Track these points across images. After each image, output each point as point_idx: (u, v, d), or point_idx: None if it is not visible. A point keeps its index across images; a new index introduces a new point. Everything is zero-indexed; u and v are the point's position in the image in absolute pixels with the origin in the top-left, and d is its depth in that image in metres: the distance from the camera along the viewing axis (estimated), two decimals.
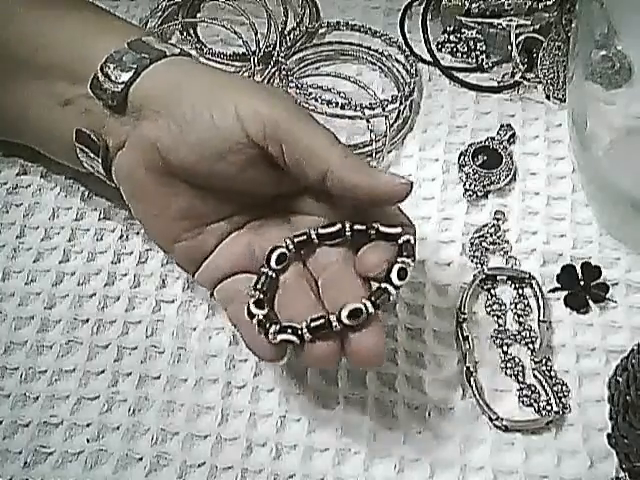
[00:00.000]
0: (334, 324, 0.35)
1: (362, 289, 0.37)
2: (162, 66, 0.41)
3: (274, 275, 0.38)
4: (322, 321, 0.35)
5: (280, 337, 0.36)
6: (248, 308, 0.37)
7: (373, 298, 0.35)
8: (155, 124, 0.39)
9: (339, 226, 0.38)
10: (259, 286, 0.38)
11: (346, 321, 0.35)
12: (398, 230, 0.38)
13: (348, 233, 0.38)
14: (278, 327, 0.36)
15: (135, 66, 0.41)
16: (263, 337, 0.36)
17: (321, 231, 0.39)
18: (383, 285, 0.36)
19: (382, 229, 0.38)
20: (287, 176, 0.39)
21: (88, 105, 0.42)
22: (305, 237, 0.39)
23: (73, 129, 0.42)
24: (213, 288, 0.40)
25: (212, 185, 0.39)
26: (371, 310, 0.35)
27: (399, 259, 0.37)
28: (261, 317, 0.36)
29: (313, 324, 0.35)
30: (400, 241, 0.37)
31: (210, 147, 0.38)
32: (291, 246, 0.39)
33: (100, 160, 0.42)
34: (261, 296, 0.37)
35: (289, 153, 0.37)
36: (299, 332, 0.35)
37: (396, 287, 0.36)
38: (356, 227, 0.38)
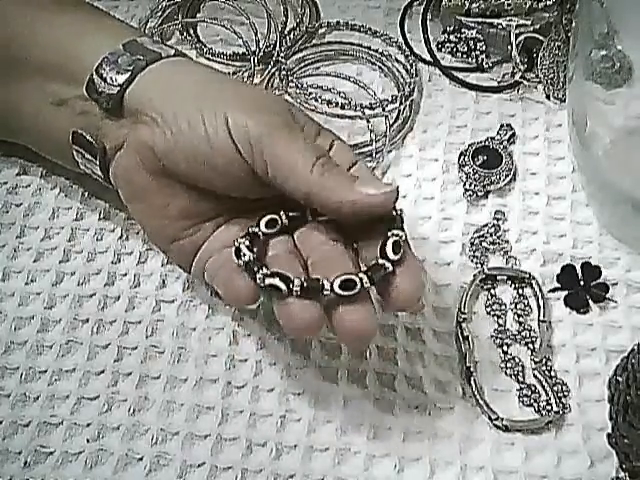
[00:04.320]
0: (326, 288, 0.35)
1: (353, 267, 0.37)
2: (157, 69, 0.41)
3: (262, 237, 0.38)
4: (315, 284, 0.35)
5: (268, 281, 0.35)
6: (237, 248, 0.37)
7: (370, 273, 0.35)
8: (151, 129, 0.39)
9: None
10: (248, 237, 0.37)
11: (338, 290, 0.35)
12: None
13: None
14: (268, 271, 0.35)
15: (131, 68, 0.40)
16: (240, 281, 0.36)
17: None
18: (380, 261, 0.36)
19: None
20: None
21: (84, 107, 0.41)
22: (299, 214, 0.39)
23: (68, 130, 0.42)
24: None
25: (208, 188, 0.39)
26: (367, 284, 0.35)
27: (390, 232, 0.37)
28: (250, 259, 0.36)
29: (306, 283, 0.35)
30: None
31: (203, 158, 0.38)
32: (284, 217, 0.39)
33: (97, 162, 0.42)
34: (249, 244, 0.37)
35: (272, 172, 0.37)
36: (290, 285, 0.35)
37: (392, 262, 0.36)
38: None
